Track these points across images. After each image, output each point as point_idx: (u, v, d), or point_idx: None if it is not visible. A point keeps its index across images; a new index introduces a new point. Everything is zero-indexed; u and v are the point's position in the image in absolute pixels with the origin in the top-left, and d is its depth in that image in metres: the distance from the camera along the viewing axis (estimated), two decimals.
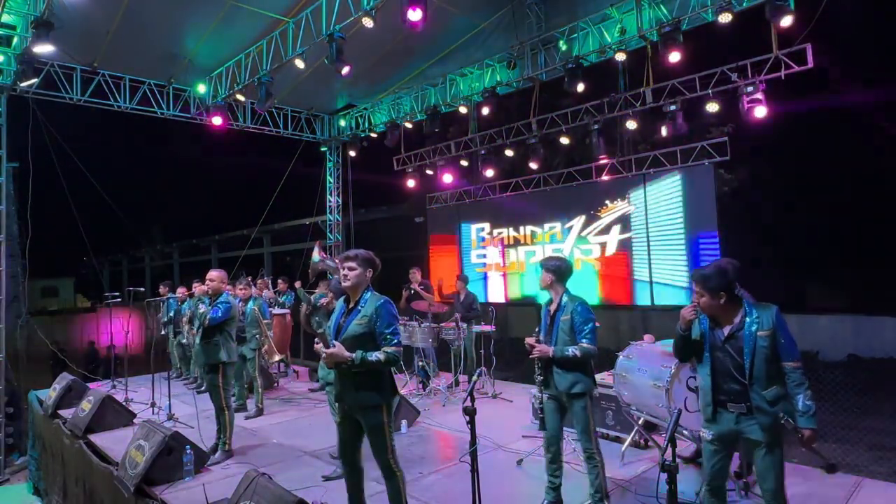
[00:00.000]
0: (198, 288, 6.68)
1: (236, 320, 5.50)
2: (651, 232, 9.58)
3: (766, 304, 2.97)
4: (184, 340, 8.68)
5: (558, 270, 3.93)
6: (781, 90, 7.60)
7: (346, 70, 7.17)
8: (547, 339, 3.89)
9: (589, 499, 3.83)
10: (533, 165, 10.15)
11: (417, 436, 5.82)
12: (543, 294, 4.11)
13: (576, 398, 3.77)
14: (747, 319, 2.91)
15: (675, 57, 6.90)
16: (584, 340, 3.73)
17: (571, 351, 3.72)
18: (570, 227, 10.82)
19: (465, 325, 7.62)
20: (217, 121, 9.61)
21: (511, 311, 14.67)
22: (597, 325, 3.82)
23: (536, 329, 4.05)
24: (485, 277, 12.28)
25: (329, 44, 7.08)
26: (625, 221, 9.94)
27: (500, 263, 12.01)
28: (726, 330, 2.97)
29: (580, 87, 8.00)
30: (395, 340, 3.32)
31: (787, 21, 6.17)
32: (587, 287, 10.48)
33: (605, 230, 10.25)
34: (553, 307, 3.94)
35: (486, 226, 12.36)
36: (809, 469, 4.77)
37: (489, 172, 10.91)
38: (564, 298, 3.88)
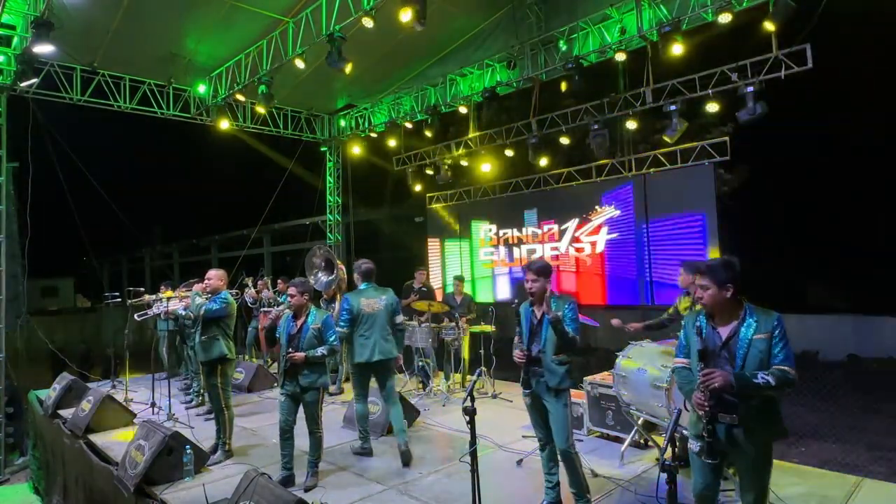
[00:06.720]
0: (184, 301, 6.36)
1: (234, 318, 5.51)
2: (650, 232, 9.59)
3: (769, 310, 2.84)
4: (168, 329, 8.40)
5: (545, 271, 3.89)
6: (781, 90, 7.59)
7: (348, 68, 7.17)
8: (534, 340, 3.85)
9: (575, 500, 3.82)
10: (532, 165, 10.16)
11: (417, 436, 5.80)
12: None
13: (559, 394, 3.75)
14: (744, 324, 2.80)
15: (675, 55, 6.93)
16: (570, 330, 3.73)
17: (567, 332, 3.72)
18: (568, 227, 10.84)
19: (465, 326, 7.64)
20: (223, 125, 9.75)
21: (511, 311, 14.68)
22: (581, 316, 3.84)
23: (517, 330, 3.96)
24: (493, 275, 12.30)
25: (329, 44, 7.09)
26: (622, 221, 9.95)
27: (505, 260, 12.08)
28: (724, 333, 2.85)
29: (578, 89, 8.01)
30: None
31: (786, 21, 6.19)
32: (581, 287, 10.49)
33: (602, 229, 10.27)
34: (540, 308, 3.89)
35: (487, 225, 12.39)
36: (808, 469, 4.78)
37: (490, 172, 10.92)
38: (553, 298, 3.84)
